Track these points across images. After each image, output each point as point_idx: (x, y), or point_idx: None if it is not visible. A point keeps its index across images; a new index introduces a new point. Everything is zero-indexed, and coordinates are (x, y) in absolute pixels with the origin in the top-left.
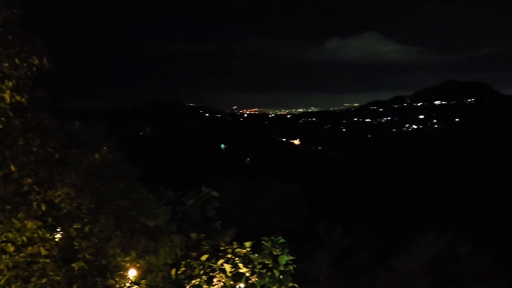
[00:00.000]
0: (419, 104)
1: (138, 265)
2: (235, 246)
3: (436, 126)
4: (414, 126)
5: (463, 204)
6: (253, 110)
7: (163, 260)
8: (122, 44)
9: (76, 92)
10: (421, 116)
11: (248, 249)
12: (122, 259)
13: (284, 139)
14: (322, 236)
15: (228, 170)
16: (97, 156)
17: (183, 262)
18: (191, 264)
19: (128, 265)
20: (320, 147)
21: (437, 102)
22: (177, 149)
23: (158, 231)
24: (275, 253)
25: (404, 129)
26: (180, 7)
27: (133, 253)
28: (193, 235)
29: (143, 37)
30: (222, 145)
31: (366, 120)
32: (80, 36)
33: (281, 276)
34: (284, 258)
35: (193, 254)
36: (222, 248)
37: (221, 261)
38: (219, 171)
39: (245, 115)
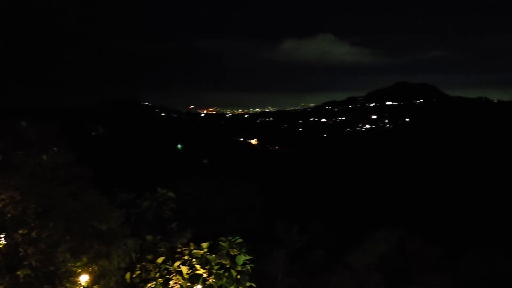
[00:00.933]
0: (371, 105)
1: (90, 270)
2: (192, 248)
3: (387, 125)
4: (367, 126)
5: (412, 201)
6: (210, 109)
7: (116, 264)
8: (73, 39)
9: (22, 90)
10: (374, 116)
11: (206, 250)
12: (73, 264)
13: (241, 139)
14: (279, 235)
15: (185, 171)
16: (45, 157)
17: (138, 266)
18: (147, 267)
19: (79, 271)
20: (277, 147)
21: (388, 103)
22: (131, 150)
23: (112, 234)
24: (232, 253)
25: (358, 128)
26: (138, 4)
27: (84, 258)
28: (149, 237)
29: (96, 33)
30: (179, 145)
31: (322, 120)
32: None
33: (238, 276)
34: (241, 258)
35: (149, 257)
36: (178, 250)
37: (177, 263)
38: (175, 172)
39: (202, 114)
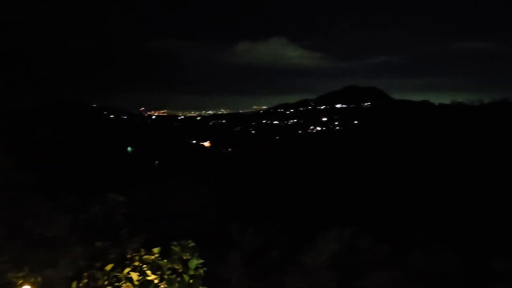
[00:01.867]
0: (322, 107)
1: (33, 281)
2: (142, 253)
3: (338, 128)
4: (318, 128)
5: (363, 199)
6: (162, 111)
7: (63, 273)
8: (16, 36)
9: None
10: (325, 119)
11: (157, 255)
12: (14, 275)
13: (194, 141)
14: (234, 237)
15: (136, 174)
16: None
17: (85, 274)
18: (95, 275)
19: (21, 281)
20: (230, 149)
21: (338, 105)
22: (79, 153)
23: (58, 242)
24: (185, 258)
25: (309, 130)
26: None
27: (28, 268)
28: (98, 243)
29: (41, 30)
30: (129, 148)
31: (275, 122)
32: None
33: (191, 281)
34: (194, 262)
35: (98, 264)
36: (129, 256)
37: (127, 269)
38: (126, 175)
39: (154, 116)
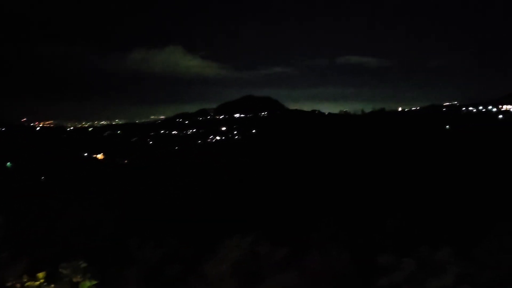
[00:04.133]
0: (221, 117)
1: None
2: (25, 280)
3: (236, 137)
4: (218, 138)
5: (261, 205)
6: (47, 122)
7: None
8: None
9: None
10: (224, 128)
11: (42, 280)
12: None
13: (85, 154)
14: (131, 253)
15: (18, 191)
16: None
17: None
18: None
19: None
20: (126, 161)
21: (237, 115)
22: None
23: None
24: (75, 280)
25: (209, 140)
26: None
27: None
28: None
29: None
30: (8, 164)
31: (173, 132)
32: None
33: None
34: (86, 284)
35: None
36: (9, 284)
37: None
38: (6, 193)
39: (38, 128)
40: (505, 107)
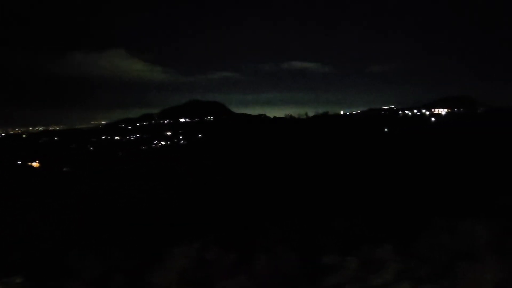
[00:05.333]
0: (166, 122)
1: None
2: None
3: (182, 142)
4: (163, 143)
5: (209, 210)
6: None
7: None
8: None
9: None
10: (169, 133)
11: None
12: None
13: (19, 162)
14: (72, 266)
15: None
16: None
17: None
18: None
19: None
20: (65, 168)
21: (182, 120)
22: None
23: None
24: None
25: (154, 145)
26: None
27: None
28: None
29: None
30: None
31: (116, 137)
32: None
33: None
34: None
35: None
36: None
37: None
38: None
39: None
40: (437, 110)
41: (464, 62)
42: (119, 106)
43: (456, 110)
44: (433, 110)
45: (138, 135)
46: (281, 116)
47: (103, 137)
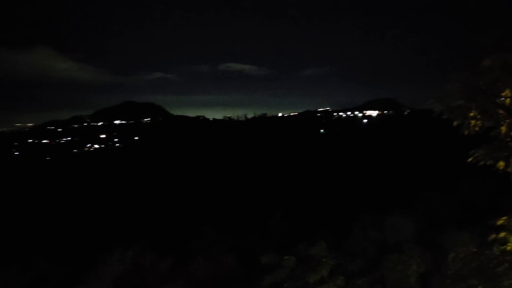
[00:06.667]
0: (99, 124)
1: None
2: None
3: (117, 144)
4: (96, 146)
5: (144, 215)
6: None
7: None
8: None
9: None
10: (103, 136)
11: None
12: None
13: None
14: None
15: None
16: None
17: None
18: None
19: None
20: None
21: (117, 122)
22: None
23: None
24: None
25: (86, 149)
26: None
27: None
28: None
29: None
30: None
31: (44, 141)
32: None
33: None
34: None
35: None
36: None
37: None
38: None
39: None
40: (368, 112)
41: (388, 67)
42: (46, 107)
43: (385, 112)
44: (365, 112)
45: (69, 138)
46: (220, 118)
47: (30, 140)
